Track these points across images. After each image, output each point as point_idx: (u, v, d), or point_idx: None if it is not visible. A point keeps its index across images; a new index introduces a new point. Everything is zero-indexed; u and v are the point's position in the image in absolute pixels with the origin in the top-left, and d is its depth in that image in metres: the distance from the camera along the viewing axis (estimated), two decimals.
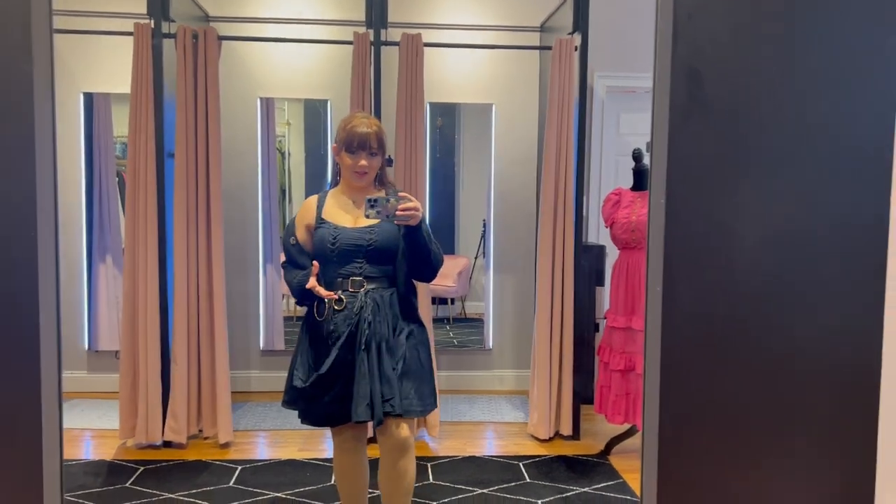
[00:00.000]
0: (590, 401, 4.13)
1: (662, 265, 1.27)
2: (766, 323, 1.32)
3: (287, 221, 5.38)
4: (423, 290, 3.78)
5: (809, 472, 1.34)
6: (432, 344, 3.90)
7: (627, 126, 4.82)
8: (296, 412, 2.52)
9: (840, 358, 1.35)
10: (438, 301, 5.85)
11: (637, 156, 3.64)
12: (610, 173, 4.79)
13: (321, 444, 3.82)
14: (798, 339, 1.33)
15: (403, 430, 2.41)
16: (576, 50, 3.87)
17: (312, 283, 2.39)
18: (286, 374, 2.54)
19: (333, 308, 2.38)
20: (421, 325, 2.51)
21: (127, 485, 3.25)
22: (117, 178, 4.87)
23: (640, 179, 3.64)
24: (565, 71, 3.87)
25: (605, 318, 3.73)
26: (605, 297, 4.30)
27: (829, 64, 1.32)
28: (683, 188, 1.29)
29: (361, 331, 2.35)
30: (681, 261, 1.29)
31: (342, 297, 2.38)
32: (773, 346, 1.33)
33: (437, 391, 2.57)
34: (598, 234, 4.71)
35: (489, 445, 3.91)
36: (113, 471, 3.41)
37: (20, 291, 1.21)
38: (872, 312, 1.33)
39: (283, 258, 2.59)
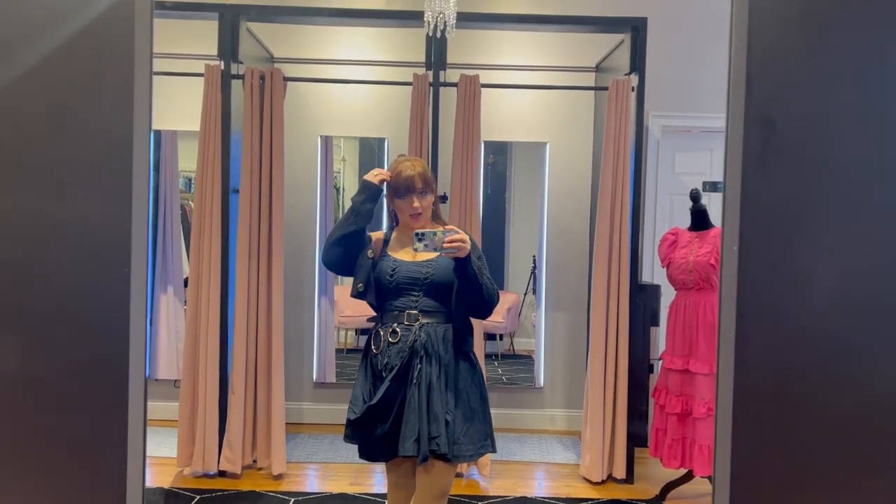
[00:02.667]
0: (644, 443, 4.05)
1: (735, 313, 1.27)
2: (842, 375, 1.30)
3: None
4: (478, 327, 3.79)
5: None
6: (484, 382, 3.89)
7: (683, 165, 4.80)
8: (349, 446, 2.54)
9: None
10: (487, 336, 5.84)
11: (695, 196, 3.61)
12: (665, 212, 4.75)
13: (371, 479, 3.82)
14: (876, 394, 1.30)
15: (444, 473, 2.39)
16: (632, 90, 3.89)
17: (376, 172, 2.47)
18: (338, 407, 2.57)
19: (388, 340, 2.41)
20: (473, 364, 2.51)
21: None
22: (181, 212, 5.04)
23: (699, 219, 3.61)
24: (622, 111, 3.89)
25: (661, 359, 3.68)
26: (660, 337, 4.24)
27: None
28: (756, 235, 1.29)
29: (413, 365, 2.37)
30: (753, 309, 1.28)
31: (397, 329, 2.41)
32: (850, 400, 1.31)
33: (493, 433, 2.55)
34: (652, 273, 4.67)
35: (540, 486, 3.86)
36: (171, 499, 3.48)
37: (113, 324, 1.27)
38: None
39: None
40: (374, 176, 2.49)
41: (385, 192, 2.54)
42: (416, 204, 2.46)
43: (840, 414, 1.27)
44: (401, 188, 2.46)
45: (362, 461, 2.56)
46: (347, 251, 2.47)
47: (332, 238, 2.49)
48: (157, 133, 4.80)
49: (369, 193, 2.47)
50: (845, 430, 1.28)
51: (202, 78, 3.80)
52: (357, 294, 2.50)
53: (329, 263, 2.52)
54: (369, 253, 2.51)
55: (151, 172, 4.81)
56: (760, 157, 1.28)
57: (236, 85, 3.86)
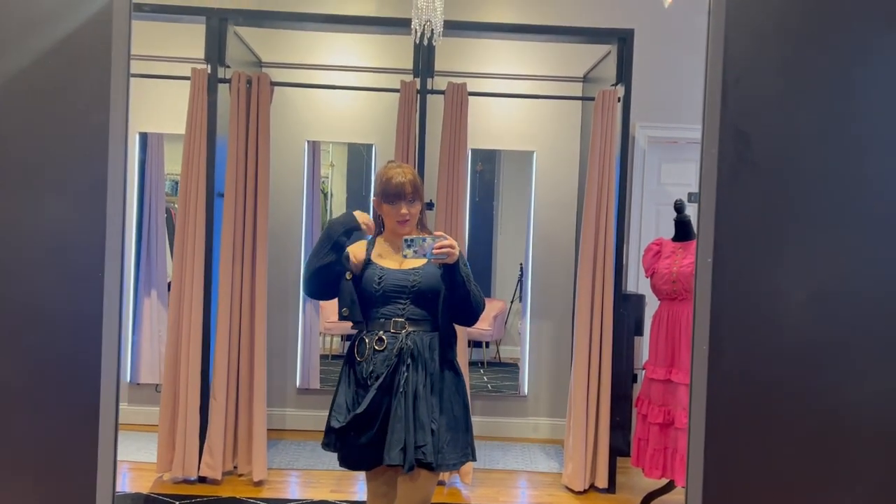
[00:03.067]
0: (626, 453, 4.06)
1: (709, 324, 1.27)
2: (814, 384, 1.31)
3: None
4: (462, 335, 3.79)
5: None
6: (467, 390, 3.89)
7: (669, 176, 4.83)
8: (331, 453, 2.53)
9: (892, 421, 1.33)
10: (473, 344, 5.83)
11: (679, 206, 3.63)
12: (650, 223, 4.78)
13: (353, 487, 3.81)
14: (847, 402, 1.31)
15: (428, 482, 2.38)
16: (619, 101, 3.91)
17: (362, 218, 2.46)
18: (321, 414, 2.56)
19: (374, 348, 2.40)
20: (458, 373, 2.51)
21: None
22: (166, 215, 5.02)
23: (683, 230, 3.63)
24: (608, 121, 3.91)
25: (644, 369, 3.69)
26: (643, 347, 4.25)
27: (875, 124, 1.33)
28: (731, 247, 1.30)
29: (400, 373, 2.36)
30: (727, 320, 1.29)
31: (383, 337, 2.41)
32: (822, 409, 1.32)
33: (474, 442, 2.55)
34: (637, 283, 4.69)
35: (522, 495, 3.86)
36: None
37: (86, 329, 1.26)
38: None
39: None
40: (362, 220, 2.48)
41: (372, 196, 2.54)
42: (405, 211, 2.46)
43: (810, 422, 1.28)
44: (390, 194, 2.46)
45: (344, 469, 2.54)
46: (327, 280, 2.47)
47: (309, 269, 2.47)
48: (143, 135, 4.78)
49: (350, 229, 2.46)
50: (815, 438, 1.29)
51: (189, 81, 3.79)
52: (343, 318, 2.50)
53: (311, 294, 2.53)
54: (347, 276, 2.51)
55: (137, 175, 4.79)
56: (734, 170, 1.29)
57: (223, 89, 3.85)
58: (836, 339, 1.32)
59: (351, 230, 2.47)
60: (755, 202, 1.31)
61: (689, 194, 4.70)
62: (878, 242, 1.33)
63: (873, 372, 1.32)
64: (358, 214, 2.48)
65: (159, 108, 4.67)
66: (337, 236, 2.45)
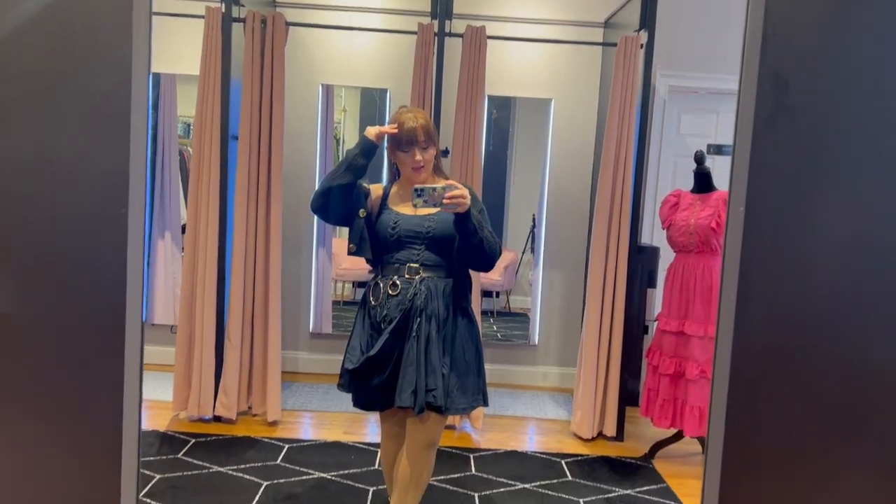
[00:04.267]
0: (635, 403, 4.10)
1: (738, 274, 1.26)
2: (842, 335, 1.30)
3: None
4: (475, 283, 3.79)
5: (878, 491, 1.31)
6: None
7: (688, 127, 4.74)
8: (343, 395, 2.56)
9: None
10: (484, 294, 5.85)
11: (699, 158, 3.58)
12: (668, 174, 4.72)
13: (365, 428, 3.87)
14: (875, 354, 1.30)
15: (436, 424, 2.43)
16: (641, 48, 3.82)
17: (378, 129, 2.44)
18: (334, 358, 2.58)
19: (388, 293, 2.41)
20: (471, 320, 2.52)
21: (179, 455, 3.35)
22: (179, 157, 4.99)
23: (702, 182, 3.58)
24: (629, 69, 3.82)
25: (657, 320, 3.69)
26: (656, 299, 4.25)
27: None
28: (764, 196, 1.27)
29: (413, 318, 2.37)
30: (757, 270, 1.27)
31: (397, 282, 2.41)
32: (848, 359, 1.31)
33: (486, 388, 2.57)
34: (652, 235, 4.66)
35: (531, 441, 3.92)
36: (166, 441, 3.52)
37: (109, 265, 1.26)
38: None
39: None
40: (373, 132, 2.45)
41: (386, 144, 2.50)
42: (419, 157, 2.43)
43: (836, 376, 1.28)
44: (403, 141, 2.42)
45: (356, 411, 2.58)
46: (334, 202, 2.44)
47: (321, 187, 2.46)
48: (156, 76, 4.72)
49: (365, 148, 2.43)
50: (843, 389, 1.28)
51: (202, 20, 3.72)
52: (352, 253, 2.50)
53: (315, 209, 2.49)
54: (361, 213, 2.50)
55: (150, 112, 4.74)
56: (771, 117, 1.25)
57: (237, 28, 3.78)
58: (866, 291, 1.30)
59: (368, 150, 2.44)
60: (790, 150, 1.27)
61: (709, 146, 4.63)
62: None
63: None
64: (368, 131, 2.45)
65: (172, 47, 4.60)
66: (353, 157, 2.43)
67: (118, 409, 1.29)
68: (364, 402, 2.51)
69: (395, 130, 2.42)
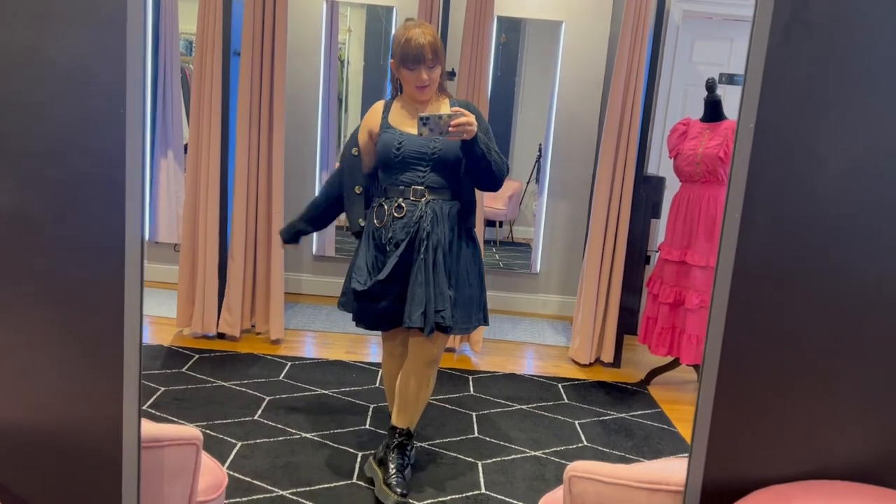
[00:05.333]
0: (633, 331, 4.15)
1: (744, 191, 1.24)
2: (843, 256, 1.29)
3: (342, 131, 5.39)
4: (478, 209, 3.78)
5: (870, 408, 1.33)
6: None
7: (701, 54, 4.62)
8: (346, 316, 2.59)
9: None
10: (487, 223, 5.85)
11: (710, 86, 3.50)
12: (678, 103, 4.63)
13: (366, 349, 3.94)
14: (874, 276, 1.30)
15: (439, 343, 2.46)
16: None
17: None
18: (337, 280, 2.60)
19: (393, 215, 2.40)
20: (475, 242, 2.53)
21: (183, 370, 3.42)
22: (181, 75, 4.90)
23: (712, 110, 3.52)
24: None
25: (659, 250, 3.70)
26: (659, 230, 4.24)
27: None
28: (775, 113, 1.24)
29: (419, 240, 2.37)
30: (763, 188, 1.26)
31: (402, 204, 2.39)
32: (848, 281, 1.31)
33: (487, 307, 2.60)
34: (658, 165, 4.61)
35: (529, 365, 3.99)
36: (170, 356, 3.59)
37: (108, 166, 1.24)
38: None
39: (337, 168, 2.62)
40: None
41: (390, 59, 2.44)
42: (425, 76, 2.37)
43: (837, 291, 1.28)
44: (409, 58, 2.35)
45: (358, 331, 2.61)
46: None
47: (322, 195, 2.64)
48: None
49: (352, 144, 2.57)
50: (842, 309, 1.29)
51: None
52: (358, 232, 2.55)
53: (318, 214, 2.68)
54: (354, 151, 2.49)
55: (151, 34, 4.64)
56: (788, 30, 1.21)
57: None
58: (874, 217, 1.29)
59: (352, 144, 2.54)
60: (805, 65, 1.24)
61: (721, 75, 4.53)
62: None
63: None
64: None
65: None
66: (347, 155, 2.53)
67: (119, 312, 1.30)
68: (370, 321, 2.53)
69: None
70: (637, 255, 4.14)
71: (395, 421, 2.55)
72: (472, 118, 2.25)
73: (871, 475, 1.31)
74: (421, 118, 2.23)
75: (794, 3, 1.22)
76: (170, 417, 2.92)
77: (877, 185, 1.27)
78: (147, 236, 4.86)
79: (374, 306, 2.45)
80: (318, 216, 2.67)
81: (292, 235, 2.70)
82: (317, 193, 2.60)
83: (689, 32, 4.58)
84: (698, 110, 3.62)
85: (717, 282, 1.28)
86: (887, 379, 1.30)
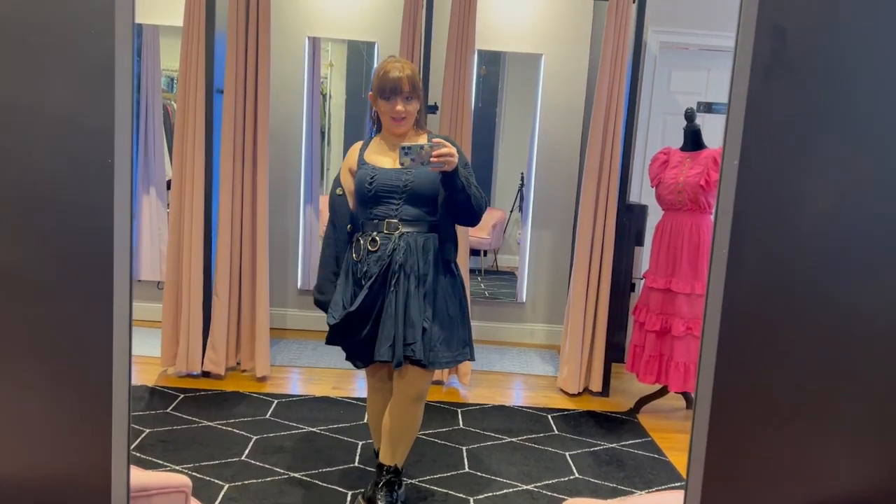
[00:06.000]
0: (621, 359, 4.15)
1: (731, 228, 1.26)
2: (831, 290, 1.30)
3: (325, 165, 5.40)
4: (463, 239, 3.79)
5: (865, 439, 1.33)
6: (468, 294, 3.92)
7: (679, 84, 4.71)
8: (331, 351, 2.58)
9: None
10: (471, 252, 5.86)
11: (689, 115, 3.56)
12: (657, 132, 4.70)
13: (354, 384, 3.90)
14: (862, 309, 1.31)
15: (420, 379, 2.43)
16: (633, 2, 3.76)
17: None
18: (322, 314, 2.59)
19: (368, 249, 2.40)
20: (455, 275, 2.51)
21: (168, 410, 3.37)
22: (163, 112, 4.90)
23: (692, 139, 3.57)
24: (621, 24, 3.77)
25: (644, 278, 3.72)
26: (643, 257, 4.27)
27: None
28: (759, 150, 1.26)
29: (392, 273, 2.37)
30: (750, 224, 1.27)
31: (377, 238, 2.40)
32: (837, 314, 1.32)
33: (472, 342, 2.59)
34: (640, 193, 4.66)
35: (518, 396, 3.97)
36: (155, 396, 3.53)
37: (96, 216, 1.24)
38: None
39: (324, 210, 2.63)
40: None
41: (370, 91, 2.47)
42: (400, 107, 2.39)
43: (827, 327, 1.29)
44: (386, 89, 2.38)
45: (345, 366, 2.60)
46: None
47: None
48: (138, 27, 4.60)
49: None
50: (833, 345, 1.29)
51: None
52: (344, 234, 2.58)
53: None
54: (339, 191, 2.51)
55: (135, 60, 4.64)
56: (768, 68, 1.24)
57: None
58: (860, 246, 1.31)
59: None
60: (787, 104, 1.26)
61: (699, 104, 4.60)
62: None
63: (891, 279, 1.32)
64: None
65: None
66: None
67: (107, 362, 1.28)
68: (351, 355, 2.54)
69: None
70: (622, 283, 4.16)
71: (382, 458, 2.52)
72: (453, 150, 2.26)
73: None
74: (403, 148, 2.24)
75: (773, 41, 1.25)
76: (155, 460, 2.87)
77: (863, 220, 1.29)
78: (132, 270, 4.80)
79: (353, 340, 2.45)
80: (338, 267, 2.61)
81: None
82: (321, 247, 2.61)
83: (667, 63, 4.66)
84: (678, 139, 3.68)
85: (707, 318, 1.28)
86: (880, 412, 1.31)
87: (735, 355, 1.30)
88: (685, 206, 3.49)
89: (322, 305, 2.55)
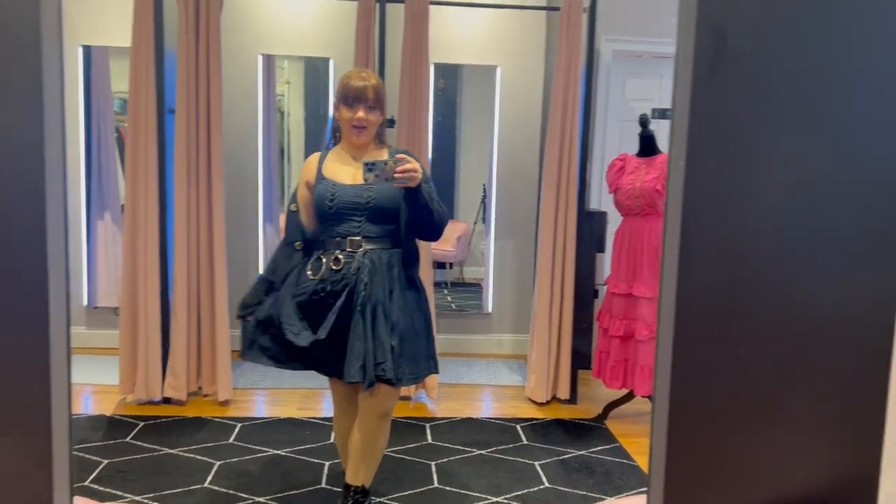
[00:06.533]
0: (587, 366, 4.16)
1: (680, 228, 1.25)
2: (781, 286, 1.31)
3: (285, 182, 5.35)
4: (425, 254, 3.76)
5: (820, 435, 1.34)
6: (432, 308, 3.90)
7: (633, 91, 4.77)
8: (296, 371, 2.52)
9: (854, 324, 1.34)
10: (437, 265, 5.84)
11: (643, 121, 3.60)
12: (614, 139, 4.74)
13: (320, 404, 3.84)
14: (813, 304, 1.32)
15: (388, 396, 2.40)
16: (584, 12, 3.80)
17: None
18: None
19: (331, 268, 2.35)
20: (419, 290, 2.49)
21: (127, 439, 3.27)
22: (116, 134, 4.81)
23: (646, 145, 3.61)
24: (573, 33, 3.81)
25: (606, 284, 3.73)
26: (605, 263, 4.30)
27: (860, 20, 1.29)
28: (704, 149, 1.26)
29: (357, 292, 2.33)
30: (699, 223, 1.27)
31: (340, 256, 2.36)
32: (788, 311, 1.33)
33: (437, 355, 2.56)
34: (600, 200, 4.69)
35: (487, 408, 3.95)
36: (113, 425, 3.43)
37: (28, 241, 1.19)
38: (888, 278, 1.32)
39: (283, 227, 2.58)
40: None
41: (333, 99, 2.44)
42: (361, 115, 2.36)
43: (779, 322, 1.29)
44: (350, 96, 2.36)
45: (310, 386, 2.54)
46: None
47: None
48: (87, 49, 4.51)
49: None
50: (785, 340, 1.30)
51: None
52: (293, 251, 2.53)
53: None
54: (292, 207, 2.46)
55: (82, 92, 4.54)
56: (710, 67, 1.24)
57: None
58: (808, 241, 1.32)
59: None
60: (731, 103, 1.27)
61: (653, 110, 4.66)
62: (854, 145, 1.32)
63: (841, 273, 1.33)
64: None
65: (102, 19, 4.40)
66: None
67: (45, 393, 1.23)
68: (309, 366, 2.47)
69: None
70: (586, 289, 4.18)
71: (349, 479, 2.47)
72: (417, 165, 2.24)
73: (822, 501, 1.32)
74: (366, 164, 2.21)
75: (715, 40, 1.25)
76: (114, 491, 2.77)
77: (812, 215, 1.30)
78: (85, 302, 4.68)
79: (310, 358, 2.40)
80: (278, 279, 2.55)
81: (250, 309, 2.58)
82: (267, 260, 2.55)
83: (621, 71, 4.72)
84: (634, 145, 3.72)
85: (662, 319, 1.28)
86: (835, 408, 1.32)
87: (690, 357, 1.29)
88: (643, 210, 3.52)
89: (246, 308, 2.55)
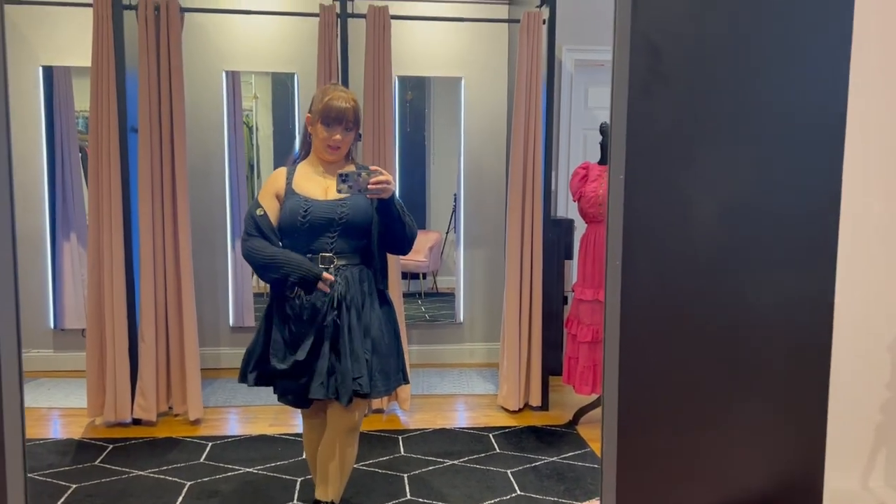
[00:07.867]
0: (558, 372, 4.20)
1: (621, 239, 1.29)
2: (722, 292, 1.35)
3: (254, 197, 5.33)
4: (394, 266, 3.78)
5: (764, 433, 1.38)
6: (402, 320, 3.91)
7: (595, 100, 4.84)
8: (267, 389, 2.52)
9: (794, 325, 1.39)
10: (410, 276, 5.86)
11: (604, 129, 3.66)
12: (578, 147, 4.81)
13: (292, 420, 3.83)
14: (753, 308, 1.37)
15: (357, 410, 2.43)
16: (543, 23, 3.86)
17: (327, 276, 2.34)
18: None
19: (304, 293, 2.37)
20: (389, 304, 2.51)
21: (96, 463, 3.24)
22: (80, 154, 4.77)
23: (607, 153, 3.66)
24: (533, 44, 3.86)
25: (573, 290, 3.78)
26: (573, 270, 4.35)
27: (784, 37, 1.34)
28: (642, 162, 1.30)
29: (332, 310, 2.34)
30: (639, 234, 1.31)
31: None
32: (729, 315, 1.37)
33: (408, 367, 2.58)
34: (566, 208, 4.75)
35: (460, 417, 3.96)
36: (82, 449, 3.39)
37: None
38: (825, 280, 1.37)
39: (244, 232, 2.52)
40: (323, 281, 2.34)
41: (308, 112, 2.44)
42: (338, 137, 2.38)
43: (720, 327, 1.33)
44: (330, 117, 2.36)
45: (281, 403, 2.53)
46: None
47: (252, 259, 2.39)
48: (48, 69, 4.48)
49: (303, 281, 2.32)
50: (726, 343, 1.34)
51: (91, 9, 3.54)
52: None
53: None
54: (259, 211, 2.39)
55: (44, 112, 4.50)
56: (646, 83, 1.29)
57: (129, 16, 3.61)
58: (745, 248, 1.36)
59: (303, 281, 2.33)
60: (666, 117, 1.31)
61: None
62: (785, 155, 1.37)
63: (778, 277, 1.37)
64: (325, 277, 2.34)
65: (63, 39, 4.37)
66: (289, 280, 2.33)
67: None
68: (296, 397, 2.45)
69: (326, 288, 2.34)
70: (554, 296, 4.22)
71: (318, 495, 2.48)
72: (390, 177, 2.27)
73: (769, 499, 1.36)
74: (340, 175, 2.23)
75: (649, 58, 1.30)
76: None
77: (749, 220, 1.35)
78: (52, 325, 4.62)
79: (295, 383, 2.40)
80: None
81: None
82: (255, 257, 2.39)
83: (583, 80, 4.79)
84: (597, 153, 3.77)
85: (607, 329, 1.31)
86: (778, 408, 1.36)
87: (637, 362, 1.33)
88: (606, 217, 3.57)
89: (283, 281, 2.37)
